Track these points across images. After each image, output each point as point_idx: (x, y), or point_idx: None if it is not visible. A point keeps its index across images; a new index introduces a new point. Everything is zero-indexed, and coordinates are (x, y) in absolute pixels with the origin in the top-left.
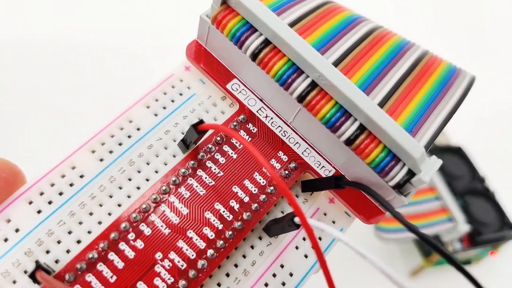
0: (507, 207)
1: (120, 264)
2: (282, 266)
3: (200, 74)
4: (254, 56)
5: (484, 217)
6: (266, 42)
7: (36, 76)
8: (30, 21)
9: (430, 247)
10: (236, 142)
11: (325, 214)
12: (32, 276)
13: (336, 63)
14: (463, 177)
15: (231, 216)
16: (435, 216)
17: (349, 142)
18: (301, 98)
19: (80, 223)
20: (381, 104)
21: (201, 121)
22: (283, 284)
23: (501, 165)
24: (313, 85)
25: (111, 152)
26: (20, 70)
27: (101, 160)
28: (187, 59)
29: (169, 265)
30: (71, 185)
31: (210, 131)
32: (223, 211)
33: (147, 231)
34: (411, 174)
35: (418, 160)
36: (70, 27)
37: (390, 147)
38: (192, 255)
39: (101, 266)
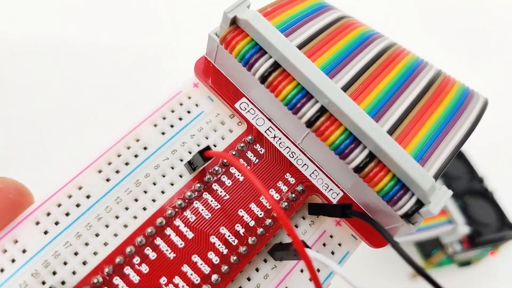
0: (507, 207)
1: None
2: None
3: (208, 92)
4: (263, 79)
5: (483, 217)
6: (276, 65)
7: (42, 79)
8: (37, 23)
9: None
10: (243, 163)
11: (331, 237)
12: None
13: (346, 87)
14: (461, 177)
15: (236, 241)
16: (434, 218)
17: (358, 169)
18: (310, 124)
19: (86, 244)
20: (391, 131)
21: (207, 148)
22: None
23: (500, 165)
24: (323, 110)
25: (117, 172)
26: (26, 75)
27: (107, 180)
28: (196, 76)
29: None
30: (77, 205)
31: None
32: (228, 236)
33: (152, 255)
34: (419, 204)
35: (427, 192)
36: (79, 29)
37: (400, 177)
38: (197, 280)
39: None
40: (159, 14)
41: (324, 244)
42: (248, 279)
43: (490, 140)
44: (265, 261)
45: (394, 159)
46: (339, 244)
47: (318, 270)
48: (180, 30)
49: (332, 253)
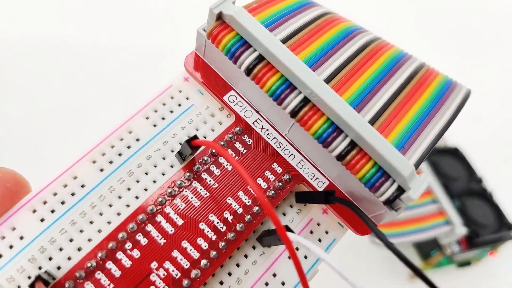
0: (505, 207)
1: (117, 273)
2: (274, 275)
3: (198, 85)
4: (248, 71)
5: (481, 218)
6: (260, 58)
7: (39, 77)
8: (34, 22)
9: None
10: (231, 154)
11: (318, 225)
12: (32, 286)
13: (328, 79)
14: (460, 178)
15: (224, 228)
16: (432, 219)
17: (340, 157)
18: (293, 114)
19: (81, 231)
20: (373, 121)
21: (194, 137)
22: None
23: (498, 165)
24: (306, 101)
25: (111, 162)
26: (26, 74)
27: (101, 170)
28: (186, 70)
29: (164, 274)
30: (72, 194)
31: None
32: (217, 223)
33: (143, 241)
34: (401, 190)
35: (407, 178)
36: (76, 27)
37: (381, 164)
38: (186, 265)
39: (99, 275)
40: (156, 13)
41: (311, 232)
42: (237, 265)
43: (489, 140)
44: (254, 248)
45: (374, 147)
46: (326, 232)
47: (306, 257)
48: (177, 28)
49: (319, 240)
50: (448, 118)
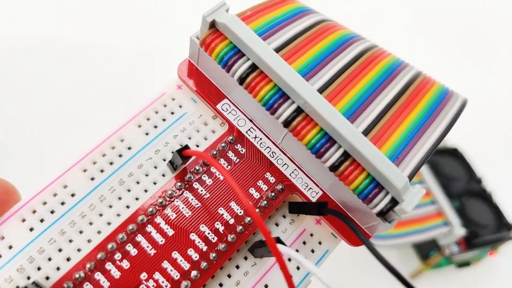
0: (505, 207)
1: (106, 284)
2: (266, 286)
3: (192, 93)
4: (241, 80)
5: (481, 218)
6: (253, 67)
7: (34, 79)
8: (31, 21)
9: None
10: (224, 163)
11: (311, 235)
12: None
13: (323, 89)
14: (459, 178)
15: (215, 238)
16: (430, 220)
17: (333, 168)
18: (286, 123)
19: (70, 241)
20: (367, 131)
21: (185, 147)
22: None
23: (498, 165)
24: (299, 110)
25: (102, 171)
26: (20, 75)
27: (92, 179)
28: (179, 78)
29: (153, 285)
30: (62, 203)
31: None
32: (208, 233)
33: (133, 251)
34: (394, 202)
35: (401, 190)
36: (71, 27)
37: (374, 176)
38: (176, 276)
39: (87, 286)
40: (152, 16)
41: (304, 242)
42: (229, 276)
43: (487, 140)
44: (246, 258)
45: (368, 158)
46: (319, 243)
47: (298, 268)
48: (173, 31)
49: (312, 251)
50: (443, 128)
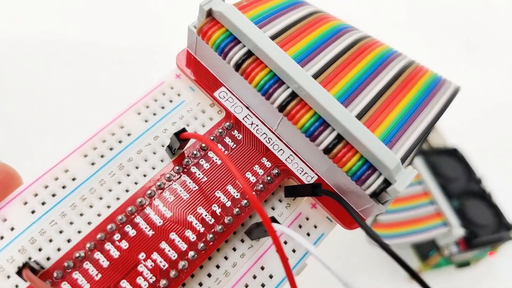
0: (505, 207)
1: (105, 263)
2: (262, 268)
3: (190, 82)
4: (237, 66)
5: (480, 218)
6: (249, 54)
7: (34, 75)
8: (29, 20)
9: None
10: (221, 148)
11: (307, 219)
12: (20, 273)
13: (317, 75)
14: (459, 178)
15: (212, 220)
16: (430, 221)
17: (327, 151)
18: (281, 108)
19: (71, 223)
20: (360, 115)
21: (183, 130)
22: (263, 285)
23: (498, 166)
24: (293, 95)
25: (102, 156)
26: (19, 71)
27: (92, 164)
28: (178, 67)
29: (151, 265)
30: (63, 187)
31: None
32: (205, 215)
33: (132, 232)
34: (387, 183)
35: (393, 171)
36: (68, 26)
37: (367, 157)
38: (174, 256)
39: (87, 265)
40: (149, 11)
41: (300, 226)
42: (225, 258)
43: (488, 140)
44: (242, 241)
45: (360, 141)
46: (315, 226)
47: (294, 251)
48: (170, 26)
49: (308, 234)
50: (435, 113)
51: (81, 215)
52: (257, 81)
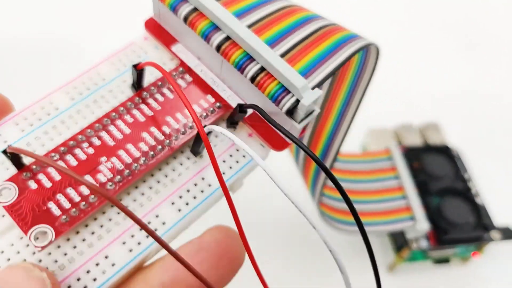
0: (497, 210)
1: (74, 162)
2: (203, 178)
3: (155, 42)
4: (185, 20)
5: (457, 217)
6: (194, 9)
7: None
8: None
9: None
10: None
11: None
12: (5, 152)
13: (251, 26)
14: (444, 176)
15: (162, 137)
16: (398, 214)
17: (252, 79)
18: (218, 48)
19: (51, 139)
20: (283, 55)
21: (138, 63)
22: (202, 191)
23: (496, 165)
24: (228, 38)
25: (81, 94)
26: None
27: (72, 99)
28: (146, 30)
29: (110, 166)
30: (48, 114)
31: (153, 78)
32: (157, 133)
33: (97, 142)
34: (297, 102)
35: (300, 90)
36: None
37: (282, 82)
38: (129, 160)
39: (61, 162)
40: None
41: (237, 150)
42: (173, 169)
43: (489, 139)
44: (188, 158)
45: (277, 69)
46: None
47: (231, 168)
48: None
49: (244, 156)
50: (347, 56)
51: (60, 134)
52: (199, 29)
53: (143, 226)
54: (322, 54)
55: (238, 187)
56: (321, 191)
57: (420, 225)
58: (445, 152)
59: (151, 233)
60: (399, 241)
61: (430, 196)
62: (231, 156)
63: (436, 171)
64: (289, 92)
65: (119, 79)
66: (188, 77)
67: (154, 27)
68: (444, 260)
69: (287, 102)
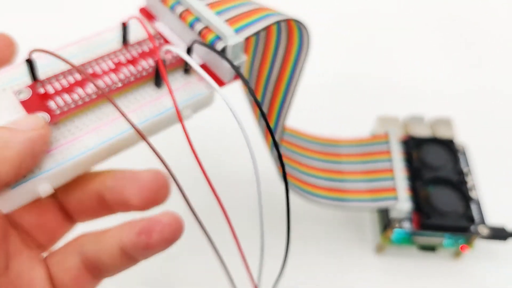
0: (491, 208)
1: (73, 80)
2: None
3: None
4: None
5: (445, 206)
6: None
7: None
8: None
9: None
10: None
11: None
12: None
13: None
14: (442, 167)
15: (136, 71)
16: (384, 193)
17: (200, 33)
18: (180, 15)
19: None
20: (228, 19)
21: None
22: (159, 109)
23: (496, 163)
24: (186, 7)
25: (88, 47)
26: None
27: (80, 48)
28: (140, 14)
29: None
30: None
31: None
32: (133, 69)
33: (91, 71)
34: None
35: (228, 36)
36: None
37: (217, 33)
38: (110, 82)
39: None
40: None
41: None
42: (140, 94)
43: (491, 139)
44: (153, 89)
45: (214, 24)
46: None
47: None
48: None
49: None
50: (268, 23)
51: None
52: (168, 4)
53: (121, 113)
54: (252, 21)
55: (189, 115)
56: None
57: (400, 204)
58: (447, 145)
59: (125, 116)
60: (385, 221)
61: (421, 182)
62: (185, 91)
63: (432, 161)
64: (221, 39)
65: (115, 39)
66: (161, 40)
67: (145, 12)
68: (429, 248)
69: (220, 44)
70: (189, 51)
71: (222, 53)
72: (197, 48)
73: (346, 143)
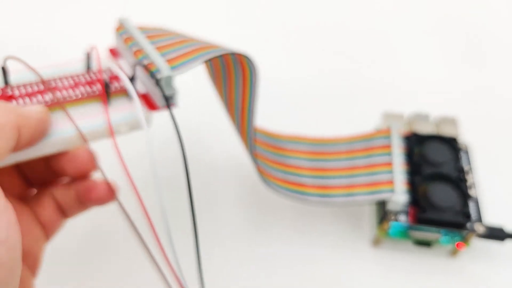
0: (496, 211)
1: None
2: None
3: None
4: (125, 42)
5: (441, 201)
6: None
7: None
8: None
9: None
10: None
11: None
12: None
13: (157, 46)
14: (442, 164)
15: (91, 90)
16: (381, 186)
17: (143, 66)
18: (133, 53)
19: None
20: (169, 59)
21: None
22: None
23: (496, 164)
24: (139, 49)
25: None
26: None
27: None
28: (109, 53)
29: (54, 95)
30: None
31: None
32: (88, 89)
33: (54, 84)
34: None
35: (163, 71)
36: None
37: (157, 67)
38: (67, 95)
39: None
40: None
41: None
42: (92, 107)
43: (497, 138)
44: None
45: (156, 62)
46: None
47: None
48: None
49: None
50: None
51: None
52: (128, 44)
53: (69, 117)
54: (189, 59)
55: (126, 131)
56: (254, 158)
57: (396, 197)
58: (450, 143)
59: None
60: (381, 214)
61: (420, 177)
62: (124, 111)
63: (434, 157)
64: (159, 72)
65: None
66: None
67: (113, 51)
68: (425, 243)
69: (157, 75)
70: (132, 79)
71: (157, 81)
72: (141, 77)
73: (345, 140)
